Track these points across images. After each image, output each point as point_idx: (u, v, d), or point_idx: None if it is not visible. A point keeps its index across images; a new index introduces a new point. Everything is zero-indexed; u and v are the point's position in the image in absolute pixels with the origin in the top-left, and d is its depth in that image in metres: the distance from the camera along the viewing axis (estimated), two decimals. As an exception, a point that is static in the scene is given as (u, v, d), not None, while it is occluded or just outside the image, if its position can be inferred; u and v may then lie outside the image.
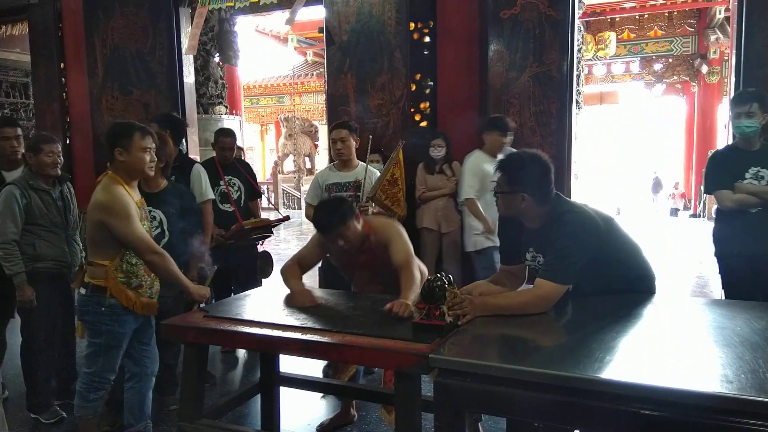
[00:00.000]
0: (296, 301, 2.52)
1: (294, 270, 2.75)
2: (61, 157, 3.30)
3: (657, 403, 1.48)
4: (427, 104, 4.70)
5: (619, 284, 2.32)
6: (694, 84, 14.73)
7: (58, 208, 3.28)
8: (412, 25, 4.67)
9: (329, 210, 2.66)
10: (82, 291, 2.58)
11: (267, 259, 4.58)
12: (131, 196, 2.55)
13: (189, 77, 5.90)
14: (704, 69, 13.86)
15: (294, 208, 15.45)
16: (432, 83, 4.71)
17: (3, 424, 2.10)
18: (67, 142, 6.06)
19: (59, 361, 3.45)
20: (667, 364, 1.65)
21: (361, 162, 3.89)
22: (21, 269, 3.11)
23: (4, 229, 3.09)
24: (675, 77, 14.66)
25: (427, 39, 4.67)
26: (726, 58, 12.73)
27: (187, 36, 5.67)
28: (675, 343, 1.85)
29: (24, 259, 3.13)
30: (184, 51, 5.69)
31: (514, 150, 3.57)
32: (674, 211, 15.62)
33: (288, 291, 2.65)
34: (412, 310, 2.19)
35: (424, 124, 4.71)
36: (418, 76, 4.70)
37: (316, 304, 2.47)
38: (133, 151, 2.54)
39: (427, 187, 4.48)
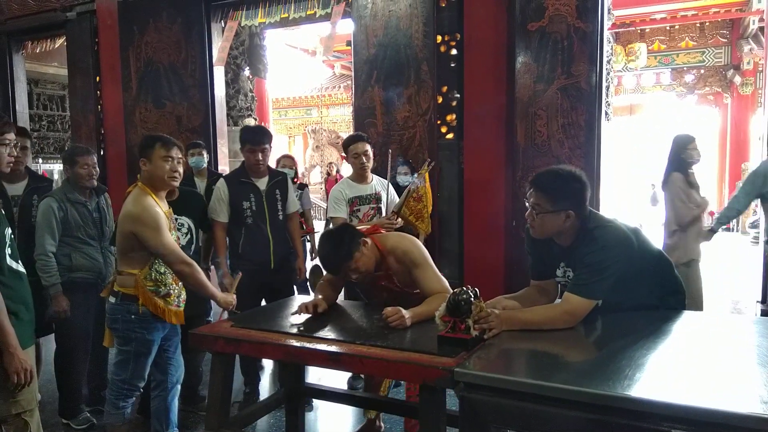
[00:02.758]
0: (300, 306, 2.49)
1: (322, 291, 2.64)
2: (97, 169, 3.37)
3: (688, 422, 1.44)
4: (454, 116, 4.71)
5: (650, 300, 2.28)
6: (727, 95, 14.43)
7: (94, 220, 3.35)
8: (439, 37, 4.69)
9: (331, 249, 2.45)
10: (112, 299, 2.63)
11: (317, 272, 4.59)
12: (160, 207, 2.60)
13: (220, 90, 6.02)
14: (737, 80, 13.58)
15: (320, 219, 15.54)
16: (459, 95, 4.71)
17: (38, 427, 2.15)
18: (101, 153, 6.22)
19: (91, 368, 3.52)
20: (698, 383, 1.61)
21: (374, 175, 3.91)
22: (57, 280, 3.18)
23: (42, 241, 3.17)
24: (707, 88, 14.39)
25: (454, 51, 4.69)
26: (761, 69, 12.45)
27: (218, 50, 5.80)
28: (707, 361, 1.81)
29: (60, 269, 3.20)
30: (214, 63, 5.81)
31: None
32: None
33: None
34: (405, 324, 2.19)
35: (450, 136, 4.71)
36: (444, 89, 4.71)
37: (309, 312, 2.43)
38: (154, 160, 2.60)
39: (695, 204, 3.78)
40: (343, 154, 3.93)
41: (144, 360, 2.67)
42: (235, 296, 2.83)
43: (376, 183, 3.86)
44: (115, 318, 2.62)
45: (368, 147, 3.77)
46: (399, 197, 3.89)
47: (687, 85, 14.45)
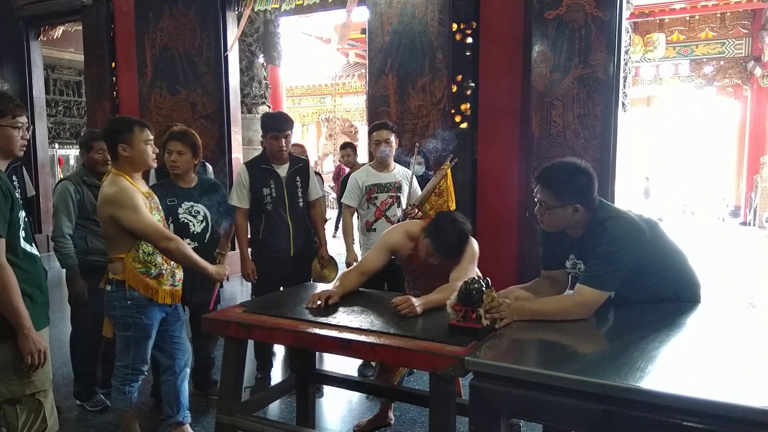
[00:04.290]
0: (313, 296, 2.45)
1: (347, 277, 2.63)
2: None
3: (700, 415, 1.43)
4: (468, 105, 4.68)
5: (664, 292, 2.26)
6: (747, 87, 14.19)
7: None
8: (455, 26, 4.66)
9: (462, 232, 2.52)
10: (108, 288, 2.64)
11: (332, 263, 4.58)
12: (138, 188, 2.59)
13: (234, 78, 6.03)
14: (758, 72, 13.34)
15: (332, 208, 15.56)
16: (473, 84, 4.68)
17: (52, 408, 2.18)
18: (117, 139, 6.27)
19: (105, 351, 3.56)
20: (711, 376, 1.60)
21: (397, 164, 3.89)
22: (74, 262, 3.22)
23: (59, 223, 3.20)
24: (726, 80, 14.14)
25: (469, 40, 4.65)
26: (782, 60, 12.23)
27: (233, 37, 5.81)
28: (720, 355, 1.80)
29: (76, 252, 3.24)
30: (227, 49, 5.82)
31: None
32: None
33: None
34: (416, 311, 2.19)
35: (464, 125, 4.69)
36: (459, 78, 4.68)
37: (321, 304, 2.38)
38: (136, 144, 2.58)
39: None
40: (356, 143, 3.91)
41: (145, 343, 2.69)
42: (226, 267, 2.83)
43: (398, 172, 3.83)
44: (113, 305, 2.63)
45: (392, 136, 3.75)
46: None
47: (706, 77, 14.22)
